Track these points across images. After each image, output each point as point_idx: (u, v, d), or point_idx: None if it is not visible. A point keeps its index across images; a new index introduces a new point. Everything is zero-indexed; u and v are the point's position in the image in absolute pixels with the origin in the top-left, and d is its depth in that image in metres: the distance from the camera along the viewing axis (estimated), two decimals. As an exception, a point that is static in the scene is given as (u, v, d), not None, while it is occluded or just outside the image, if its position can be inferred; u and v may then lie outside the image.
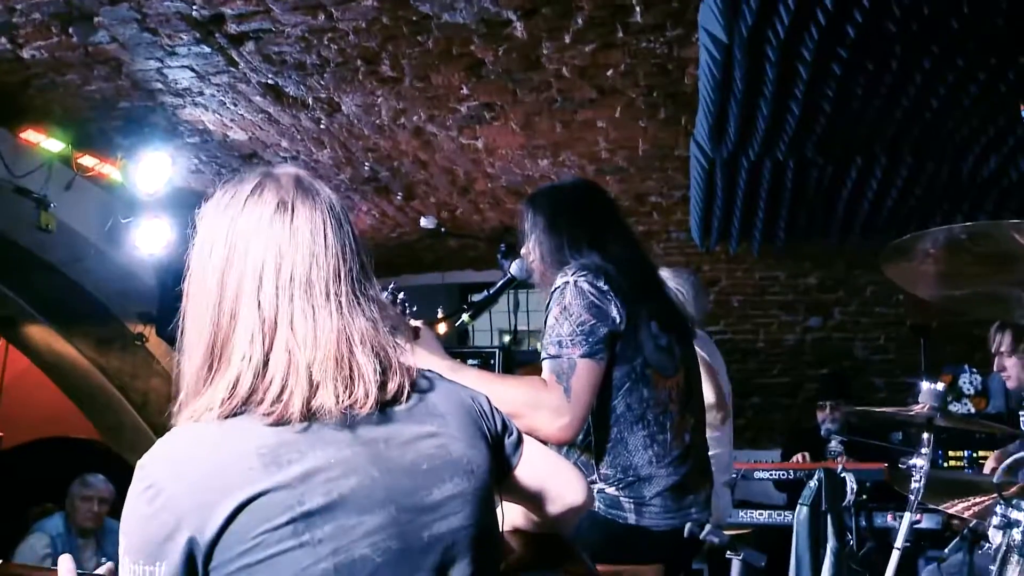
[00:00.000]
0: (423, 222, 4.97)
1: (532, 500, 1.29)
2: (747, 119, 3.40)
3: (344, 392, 1.03)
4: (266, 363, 1.03)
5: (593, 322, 1.83)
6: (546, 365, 1.84)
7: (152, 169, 4.18)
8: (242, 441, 0.99)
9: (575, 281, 1.87)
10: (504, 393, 1.68)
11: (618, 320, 1.85)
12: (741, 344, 6.24)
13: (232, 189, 1.13)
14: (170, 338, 5.25)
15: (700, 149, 3.85)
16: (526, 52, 3.39)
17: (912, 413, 2.23)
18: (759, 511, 4.22)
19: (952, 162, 3.75)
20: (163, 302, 5.20)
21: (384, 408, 1.07)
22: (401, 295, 1.95)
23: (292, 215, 1.09)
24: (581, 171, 4.59)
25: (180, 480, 0.97)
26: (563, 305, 1.86)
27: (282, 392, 1.02)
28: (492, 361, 5.19)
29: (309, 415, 1.02)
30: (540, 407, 1.76)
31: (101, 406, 6.22)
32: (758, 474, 4.30)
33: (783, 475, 4.28)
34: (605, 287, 1.86)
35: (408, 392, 1.10)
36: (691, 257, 5.64)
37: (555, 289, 1.91)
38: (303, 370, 1.03)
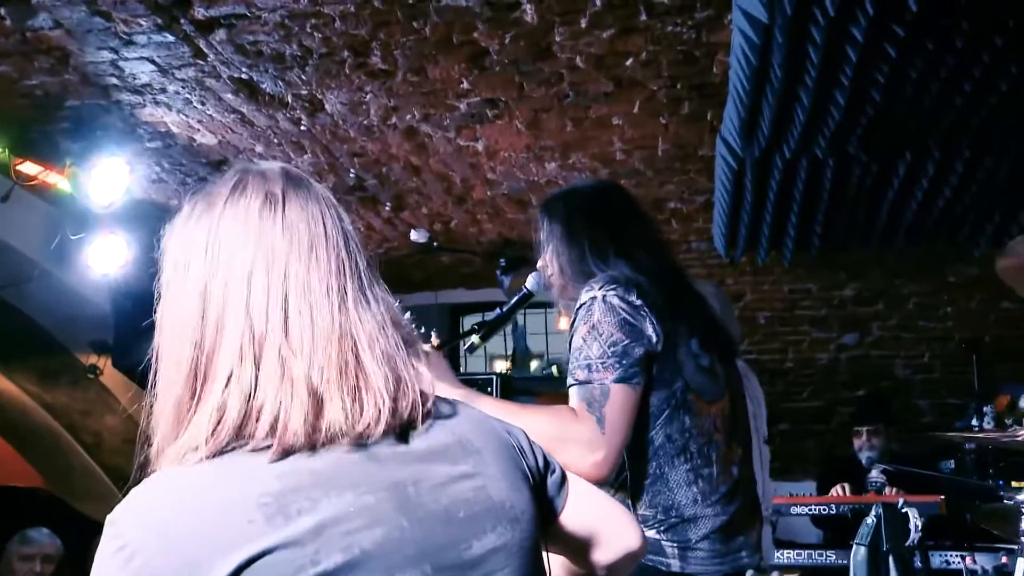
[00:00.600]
0: (414, 235, 5.02)
1: (579, 548, 1.23)
2: (784, 112, 3.35)
3: (353, 406, 0.97)
4: (256, 381, 0.96)
5: (626, 342, 1.80)
6: (575, 392, 1.81)
7: (106, 178, 4.11)
8: (238, 487, 0.91)
9: (603, 296, 1.85)
10: (528, 425, 1.63)
11: (654, 339, 1.83)
12: (768, 365, 6.24)
13: (206, 194, 1.08)
14: (128, 368, 5.29)
15: (728, 147, 3.81)
16: (536, 39, 3.34)
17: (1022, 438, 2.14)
18: (797, 551, 4.15)
19: (1015, 157, 3.71)
20: (119, 329, 5.15)
21: (404, 435, 1.01)
22: (408, 315, 1.89)
23: (284, 207, 1.05)
24: (593, 174, 4.57)
25: (160, 538, 0.87)
26: (591, 324, 1.83)
27: (278, 414, 0.94)
28: (489, 389, 5.29)
29: (315, 440, 0.95)
30: (570, 441, 1.72)
31: (46, 449, 6.19)
32: (795, 509, 4.23)
33: (823, 510, 4.20)
34: (638, 302, 1.84)
35: (424, 416, 1.04)
36: (713, 269, 5.65)
37: (580, 306, 1.88)
38: (301, 381, 0.96)
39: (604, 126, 4.09)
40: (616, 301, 1.83)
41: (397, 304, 1.83)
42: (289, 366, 0.97)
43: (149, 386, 1.04)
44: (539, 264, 2.17)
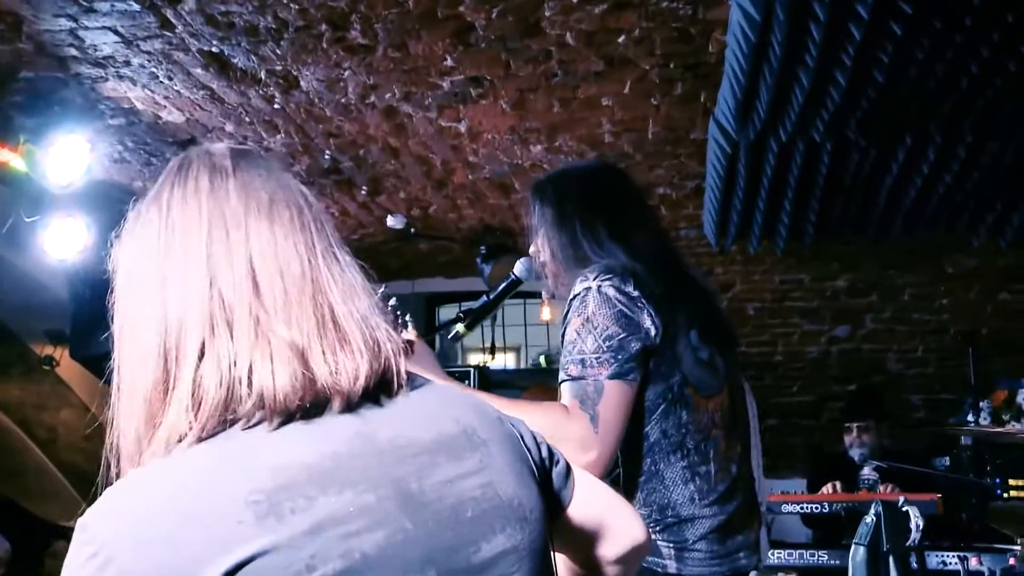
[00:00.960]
0: (390, 221, 4.93)
1: (585, 542, 1.22)
2: (781, 93, 3.34)
3: (334, 359, 0.95)
4: (233, 347, 0.94)
5: (622, 335, 1.79)
6: (567, 388, 1.80)
7: (64, 157, 4.02)
8: (226, 483, 0.86)
9: (598, 286, 1.84)
10: None
11: (652, 332, 1.82)
12: (756, 358, 6.29)
13: (150, 193, 1.07)
14: (86, 360, 5.24)
15: (721, 130, 3.81)
16: (524, 14, 3.30)
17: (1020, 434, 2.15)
18: (788, 551, 4.14)
19: (1021, 142, 3.73)
20: (77, 318, 5.09)
21: (387, 394, 1.00)
22: (393, 300, 1.85)
23: (235, 173, 1.04)
24: (580, 158, 4.53)
25: (137, 544, 0.83)
26: (585, 316, 1.82)
27: (263, 377, 0.92)
28: (466, 382, 5.38)
29: (306, 398, 0.92)
30: (561, 440, 1.65)
31: (-5, 446, 6.05)
32: (786, 507, 4.24)
33: (815, 508, 4.19)
34: (635, 292, 1.83)
35: (400, 382, 1.03)
36: (702, 258, 5.66)
37: (574, 297, 1.87)
38: (280, 338, 0.94)
39: (593, 107, 4.06)
40: (612, 292, 1.82)
41: (383, 289, 1.84)
42: (265, 325, 0.95)
43: (113, 393, 1.01)
44: (531, 249, 2.15)
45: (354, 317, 1.00)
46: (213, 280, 0.96)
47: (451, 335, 2.31)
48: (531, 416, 1.66)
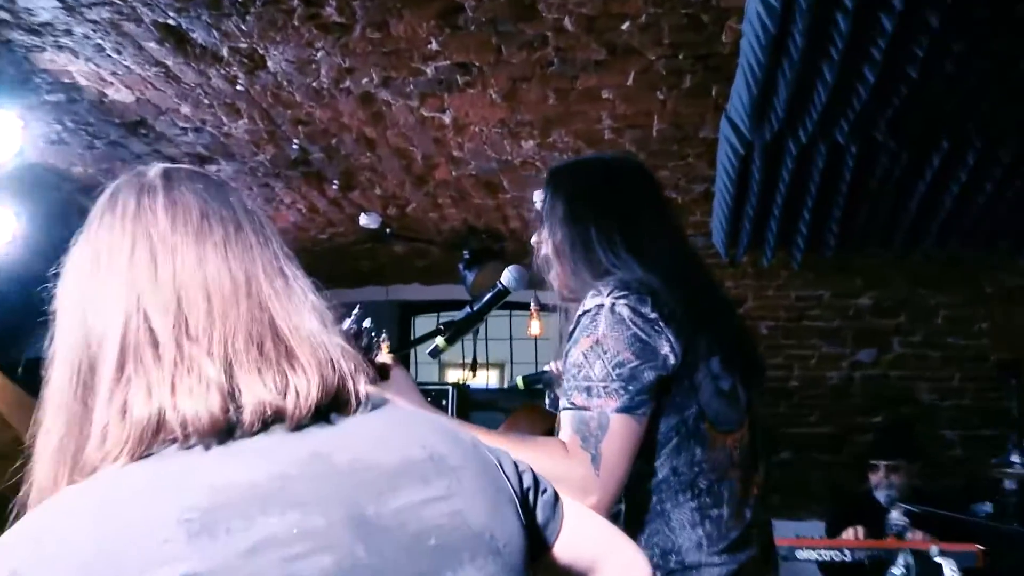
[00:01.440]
0: (363, 220, 4.93)
1: None
2: (802, 89, 3.34)
3: (277, 379, 1.00)
4: (157, 371, 0.99)
5: (636, 363, 1.80)
6: (568, 419, 1.81)
7: (-8, 135, 4.00)
8: (156, 501, 0.91)
9: (612, 304, 1.84)
10: None
11: (670, 359, 1.83)
12: (770, 383, 6.24)
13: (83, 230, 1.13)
14: (7, 367, 5.10)
15: (734, 129, 3.82)
16: (520, -6, 3.31)
17: None
18: (802, 603, 4.18)
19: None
20: (2, 320, 5.00)
21: (340, 414, 1.05)
22: (368, 322, 1.92)
23: (164, 189, 1.10)
24: (575, 155, 4.51)
25: (58, 565, 0.86)
26: (595, 337, 1.82)
27: (189, 404, 0.96)
28: (444, 402, 5.43)
29: (243, 422, 0.97)
30: (558, 481, 1.64)
31: None
32: (801, 553, 4.25)
33: (835, 556, 4.19)
34: (653, 314, 1.83)
35: (358, 402, 1.08)
36: (710, 270, 5.53)
37: (584, 313, 1.87)
38: (210, 360, 0.99)
39: (592, 100, 4.05)
40: (627, 312, 1.82)
41: (357, 310, 1.89)
42: (189, 347, 0.99)
43: (40, 412, 1.07)
44: (533, 239, 2.17)
45: (301, 333, 1.05)
46: (138, 302, 1.01)
47: (430, 350, 2.33)
48: (523, 452, 1.65)
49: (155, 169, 1.14)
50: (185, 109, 4.21)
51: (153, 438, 0.95)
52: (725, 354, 1.93)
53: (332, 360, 1.06)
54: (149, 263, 1.03)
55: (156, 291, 1.02)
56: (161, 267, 1.03)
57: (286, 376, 1.01)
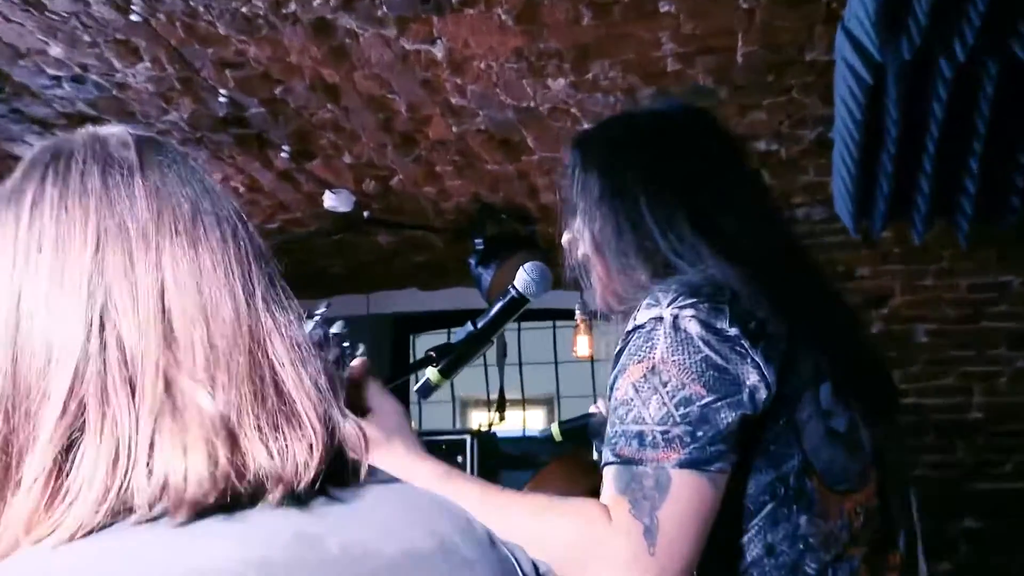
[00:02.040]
0: (330, 201, 4.69)
1: None
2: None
3: (277, 440, 0.89)
4: (129, 417, 0.87)
5: (708, 400, 1.56)
6: (612, 476, 1.58)
7: None
8: None
9: (674, 317, 1.61)
10: (534, 533, 1.50)
11: (761, 393, 1.57)
12: (935, 415, 5.60)
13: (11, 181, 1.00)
14: None
15: (856, 47, 3.29)
16: None
17: None
18: None
19: None
20: None
21: (339, 485, 0.96)
22: (339, 326, 1.82)
23: (142, 171, 0.98)
24: (628, 97, 4.07)
25: None
26: (651, 363, 1.60)
27: (168, 462, 0.84)
28: (460, 457, 5.02)
29: (234, 490, 0.85)
30: (596, 559, 1.54)
31: None
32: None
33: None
34: (732, 330, 1.59)
35: (358, 471, 0.98)
36: (833, 253, 5.07)
37: (635, 329, 1.64)
38: (199, 403, 0.87)
39: (645, 17, 3.59)
40: (696, 328, 1.60)
41: (324, 308, 1.90)
42: (179, 386, 0.89)
43: None
44: (564, 238, 2.01)
45: (304, 384, 0.97)
46: (103, 319, 0.91)
47: (418, 387, 2.11)
48: (556, 522, 1.62)
49: (119, 135, 1.02)
50: (55, 50, 3.76)
51: (110, 505, 0.83)
52: (839, 380, 1.73)
53: (331, 419, 0.97)
54: (124, 270, 0.92)
55: (136, 310, 0.91)
56: (142, 279, 0.92)
57: (290, 438, 0.92)
